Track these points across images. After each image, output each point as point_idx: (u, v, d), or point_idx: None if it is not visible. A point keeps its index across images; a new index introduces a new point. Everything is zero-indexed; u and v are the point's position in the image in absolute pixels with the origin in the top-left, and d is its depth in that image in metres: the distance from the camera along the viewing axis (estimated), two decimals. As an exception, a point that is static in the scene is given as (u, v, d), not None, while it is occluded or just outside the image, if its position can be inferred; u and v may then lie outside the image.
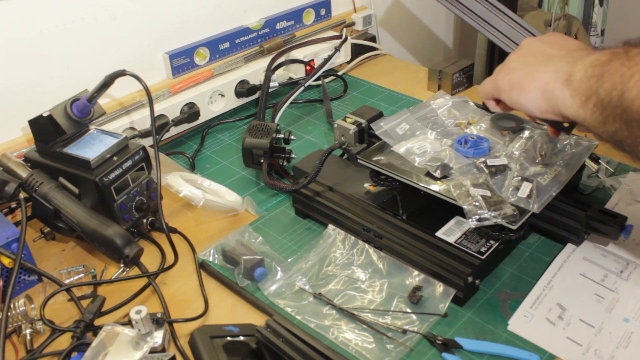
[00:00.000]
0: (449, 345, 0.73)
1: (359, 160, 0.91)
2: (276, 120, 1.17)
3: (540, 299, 0.78)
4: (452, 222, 0.85)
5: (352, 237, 0.89)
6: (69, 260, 0.92)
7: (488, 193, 0.78)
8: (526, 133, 0.89)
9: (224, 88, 1.24)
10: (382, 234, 0.85)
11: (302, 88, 1.25)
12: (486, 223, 0.75)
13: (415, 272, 0.82)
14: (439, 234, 0.83)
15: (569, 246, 0.86)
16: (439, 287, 0.79)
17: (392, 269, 0.84)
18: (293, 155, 1.05)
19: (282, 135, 1.05)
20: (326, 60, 1.32)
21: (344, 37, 1.39)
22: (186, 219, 0.99)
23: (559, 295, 0.79)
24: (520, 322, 0.76)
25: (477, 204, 0.76)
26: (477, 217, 0.75)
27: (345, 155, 0.99)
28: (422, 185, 0.83)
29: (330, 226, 0.92)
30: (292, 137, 1.06)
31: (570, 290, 0.79)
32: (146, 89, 0.89)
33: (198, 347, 0.71)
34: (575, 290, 0.79)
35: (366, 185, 0.94)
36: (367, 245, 0.88)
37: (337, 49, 1.35)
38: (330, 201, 0.92)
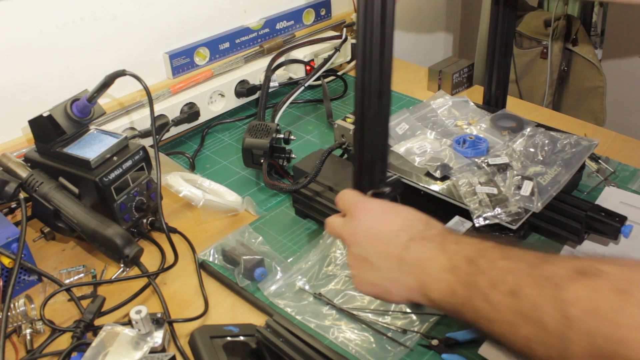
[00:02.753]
0: (446, 344, 0.73)
1: (359, 160, 0.90)
2: (276, 120, 1.17)
3: None
4: (452, 222, 0.85)
5: (352, 237, 0.89)
6: (69, 260, 0.91)
7: (495, 190, 0.78)
8: (526, 133, 0.89)
9: (224, 88, 1.24)
10: (382, 234, 0.85)
11: (302, 88, 1.25)
12: (493, 221, 0.75)
13: (415, 272, 0.82)
14: (439, 234, 0.83)
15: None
16: (439, 287, 0.79)
17: (392, 269, 0.84)
18: (293, 155, 1.05)
19: (282, 135, 1.05)
20: (326, 60, 1.32)
21: (344, 37, 1.39)
22: (186, 219, 0.99)
23: None
24: (490, 348, 0.71)
25: (482, 203, 0.76)
26: (483, 216, 0.75)
27: (345, 155, 0.99)
28: (422, 185, 0.83)
29: (330, 226, 0.91)
30: (292, 137, 1.06)
31: None
32: (146, 89, 0.89)
33: (198, 347, 0.71)
34: None
35: (366, 185, 0.93)
36: (367, 245, 0.87)
37: (337, 49, 1.35)
38: (330, 201, 0.92)
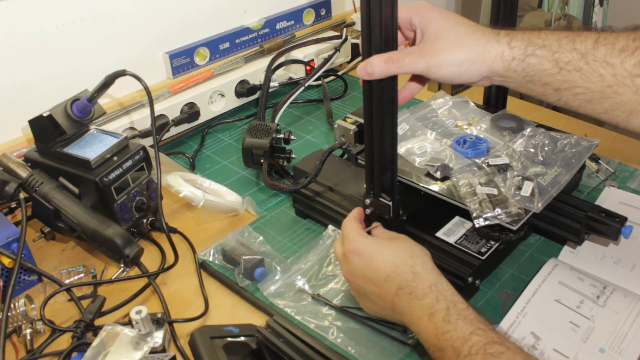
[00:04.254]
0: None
1: (359, 160, 0.91)
2: (276, 120, 1.17)
3: (514, 327, 0.74)
4: (452, 222, 0.85)
5: (352, 237, 0.89)
6: (69, 260, 0.92)
7: (495, 191, 0.78)
8: (526, 133, 0.89)
9: (224, 88, 1.24)
10: (382, 234, 0.85)
11: (302, 88, 1.25)
12: (493, 222, 0.75)
13: (415, 272, 0.82)
14: (439, 234, 0.83)
15: (545, 268, 0.82)
16: (439, 288, 0.79)
17: (392, 269, 0.84)
18: (293, 155, 1.05)
19: (282, 135, 1.05)
20: (326, 60, 1.32)
21: (344, 37, 1.39)
22: (186, 219, 0.99)
23: (533, 324, 0.74)
24: None
25: (482, 203, 0.76)
26: (484, 217, 0.75)
27: (345, 155, 0.99)
28: (422, 185, 0.83)
29: (330, 226, 0.91)
30: (292, 137, 1.06)
31: (544, 318, 0.74)
32: (146, 89, 0.89)
33: (198, 347, 0.71)
34: (550, 318, 0.74)
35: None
36: (367, 246, 0.87)
37: (337, 49, 1.35)
38: (330, 201, 0.92)
